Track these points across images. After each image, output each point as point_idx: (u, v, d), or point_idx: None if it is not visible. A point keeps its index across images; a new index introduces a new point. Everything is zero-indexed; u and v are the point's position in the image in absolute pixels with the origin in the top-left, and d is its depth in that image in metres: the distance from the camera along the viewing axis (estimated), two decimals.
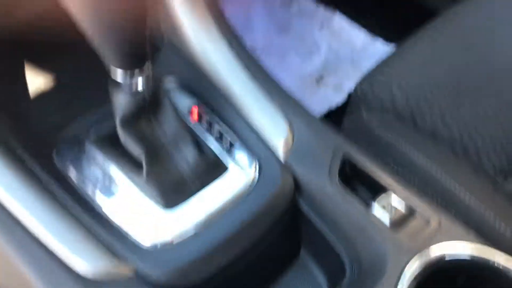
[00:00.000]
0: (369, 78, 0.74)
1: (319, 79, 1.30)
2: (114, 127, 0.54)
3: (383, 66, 0.76)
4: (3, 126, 0.59)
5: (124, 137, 0.53)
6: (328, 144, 0.56)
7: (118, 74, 0.49)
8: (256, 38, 1.41)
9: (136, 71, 0.49)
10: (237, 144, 0.57)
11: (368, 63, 1.27)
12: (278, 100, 0.61)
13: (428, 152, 0.67)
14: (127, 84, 0.50)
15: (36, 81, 0.72)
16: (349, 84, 1.25)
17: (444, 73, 0.75)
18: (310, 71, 1.33)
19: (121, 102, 0.51)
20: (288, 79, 1.33)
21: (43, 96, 0.69)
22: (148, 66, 0.50)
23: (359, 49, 1.34)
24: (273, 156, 0.56)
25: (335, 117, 1.22)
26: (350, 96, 0.77)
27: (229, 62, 0.61)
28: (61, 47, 0.69)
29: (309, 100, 1.26)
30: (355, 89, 0.75)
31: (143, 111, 0.53)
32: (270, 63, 1.36)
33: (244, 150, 0.57)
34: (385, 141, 0.69)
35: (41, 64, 0.72)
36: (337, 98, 1.23)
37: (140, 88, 0.51)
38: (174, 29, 0.64)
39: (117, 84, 0.50)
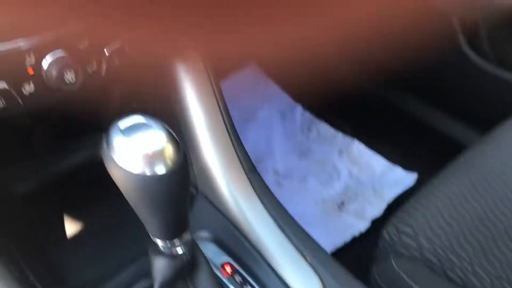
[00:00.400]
0: (396, 223, 0.75)
1: (341, 205, 1.32)
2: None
3: (410, 208, 0.78)
4: (37, 273, 0.61)
5: None
6: None
7: (159, 242, 0.52)
8: (277, 162, 1.46)
9: (176, 239, 0.52)
10: None
11: (389, 191, 1.31)
12: (310, 255, 0.62)
13: None
14: (167, 249, 0.52)
15: (73, 227, 0.74)
16: (372, 211, 1.26)
17: (471, 217, 0.76)
18: (331, 196, 1.35)
19: (160, 266, 0.53)
20: (309, 203, 1.35)
21: (79, 244, 0.71)
22: (187, 232, 0.53)
23: (379, 175, 1.36)
24: None
25: (358, 247, 1.22)
26: (377, 240, 0.77)
27: (263, 218, 0.64)
28: (100, 196, 0.72)
29: (331, 227, 1.27)
30: (383, 235, 0.76)
31: (181, 272, 0.54)
32: (291, 187, 1.40)
33: None
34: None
35: (80, 212, 0.75)
36: (360, 226, 1.24)
37: (179, 252, 0.53)
38: (207, 182, 0.68)
39: (157, 248, 0.52)
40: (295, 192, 1.38)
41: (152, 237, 0.52)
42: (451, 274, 0.70)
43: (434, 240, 0.72)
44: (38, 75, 0.55)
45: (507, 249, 0.72)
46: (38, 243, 0.71)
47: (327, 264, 0.63)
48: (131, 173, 0.44)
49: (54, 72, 0.54)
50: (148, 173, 0.45)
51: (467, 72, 1.31)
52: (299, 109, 1.62)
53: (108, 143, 0.45)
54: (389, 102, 1.46)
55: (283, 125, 1.59)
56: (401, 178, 1.33)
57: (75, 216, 0.74)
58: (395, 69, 1.43)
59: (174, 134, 0.48)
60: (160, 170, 0.45)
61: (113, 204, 0.73)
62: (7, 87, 0.54)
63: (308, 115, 1.59)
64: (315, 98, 1.64)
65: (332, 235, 1.23)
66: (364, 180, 1.38)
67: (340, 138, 1.48)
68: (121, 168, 0.44)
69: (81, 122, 0.75)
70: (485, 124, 1.29)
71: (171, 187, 0.47)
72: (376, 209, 1.27)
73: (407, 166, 1.37)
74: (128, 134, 0.45)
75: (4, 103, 0.54)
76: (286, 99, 1.67)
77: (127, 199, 0.48)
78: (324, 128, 1.53)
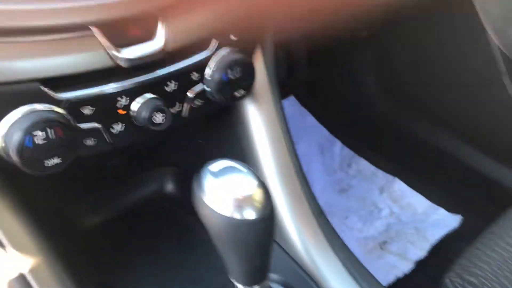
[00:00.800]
0: (460, 272, 0.74)
1: (383, 244, 1.31)
2: None
3: (473, 257, 0.77)
4: None
5: None
6: None
7: (239, 286, 0.52)
8: (317, 198, 1.46)
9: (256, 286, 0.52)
10: None
11: (433, 232, 1.29)
12: None
13: None
14: None
15: (137, 261, 0.75)
16: (415, 252, 1.25)
17: None
18: (372, 235, 1.34)
19: None
20: (351, 241, 1.34)
21: (142, 278, 0.72)
22: (267, 280, 0.53)
23: (421, 215, 1.35)
24: None
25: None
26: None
27: (332, 263, 0.64)
28: (165, 230, 0.73)
29: (374, 266, 1.26)
30: (445, 283, 0.75)
31: None
32: (332, 223, 1.39)
33: None
34: None
35: (144, 245, 0.76)
36: (403, 267, 1.22)
37: None
38: (279, 230, 0.68)
39: None
40: (336, 229, 1.37)
41: (233, 280, 0.53)
42: None
43: None
44: (128, 116, 0.57)
45: None
46: (103, 276, 0.72)
47: None
48: (220, 215, 0.45)
49: (144, 114, 0.56)
50: (237, 216, 0.45)
51: (504, 108, 1.30)
52: (338, 144, 1.62)
53: (199, 185, 0.47)
54: (431, 142, 1.45)
55: (322, 160, 1.59)
56: (445, 220, 1.32)
57: (140, 249, 0.75)
58: (438, 107, 1.44)
59: (263, 181, 0.49)
60: (250, 215, 0.46)
61: (178, 239, 0.74)
62: (99, 127, 0.56)
63: (347, 151, 1.59)
64: (353, 132, 1.66)
65: (375, 276, 1.21)
66: (406, 219, 1.36)
67: (381, 175, 1.48)
68: (211, 209, 0.45)
69: (151, 156, 0.76)
70: None
71: (259, 233, 0.48)
72: (420, 250, 1.25)
73: (449, 207, 1.35)
74: (219, 177, 0.47)
75: (94, 141, 0.56)
76: (325, 132, 1.68)
77: (214, 240, 0.49)
78: (365, 165, 1.53)
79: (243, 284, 0.52)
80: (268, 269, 0.53)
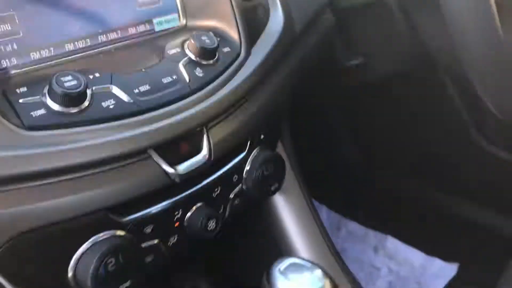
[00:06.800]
0: None
1: None
2: None
3: None
4: None
5: None
6: None
7: None
8: None
9: None
10: None
11: (434, 283, 1.33)
12: None
13: None
14: None
15: None
16: None
17: None
18: None
19: None
20: None
21: None
22: None
23: (419, 269, 1.40)
24: None
25: None
26: None
27: None
28: None
29: None
30: None
31: None
32: None
33: None
34: None
35: None
36: None
37: None
38: None
39: None
40: None
41: None
42: None
43: None
44: (181, 227, 0.59)
45: None
46: None
47: None
48: None
49: (200, 223, 0.58)
50: None
51: (477, 159, 1.40)
52: (324, 210, 1.67)
53: (271, 284, 0.49)
54: (414, 196, 1.53)
55: None
56: (443, 270, 1.37)
57: None
58: (413, 161, 1.53)
59: (330, 274, 0.52)
60: None
61: None
62: (158, 243, 0.57)
63: (334, 215, 1.64)
64: (338, 197, 1.71)
65: None
66: (405, 274, 1.40)
67: (373, 234, 1.53)
68: None
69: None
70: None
71: None
72: None
73: (444, 257, 1.41)
74: (288, 275, 0.50)
75: (152, 257, 0.57)
76: None
77: None
78: (354, 227, 1.57)
79: None
80: None
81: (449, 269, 1.37)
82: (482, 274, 1.02)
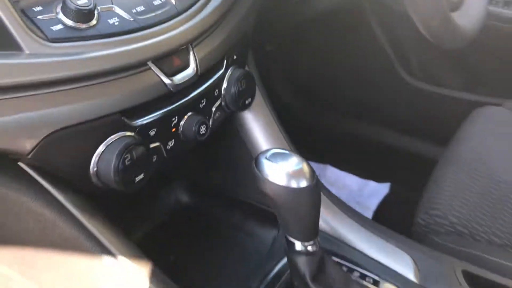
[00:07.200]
0: (426, 210, 0.95)
1: None
2: None
3: (431, 198, 0.98)
4: None
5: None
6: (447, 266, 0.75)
7: (298, 244, 0.66)
8: None
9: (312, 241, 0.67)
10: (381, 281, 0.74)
11: (371, 201, 1.53)
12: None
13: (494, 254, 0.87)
14: (304, 249, 0.67)
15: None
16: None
17: (477, 195, 0.98)
18: None
19: (305, 262, 0.67)
20: None
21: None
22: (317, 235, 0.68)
23: (357, 192, 1.58)
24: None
25: None
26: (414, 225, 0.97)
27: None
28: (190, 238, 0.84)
29: None
30: (418, 222, 0.96)
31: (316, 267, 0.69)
32: None
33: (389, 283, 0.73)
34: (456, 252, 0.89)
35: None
36: None
37: (313, 249, 0.68)
38: None
39: (295, 250, 0.67)
40: None
41: (292, 239, 0.66)
42: (478, 237, 0.91)
43: (459, 216, 0.93)
44: (177, 133, 0.69)
45: (509, 213, 0.95)
46: None
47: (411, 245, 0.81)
48: (282, 186, 0.60)
49: (193, 127, 0.68)
50: (294, 185, 0.60)
51: (402, 91, 1.60)
52: None
53: (262, 169, 0.61)
54: (348, 131, 1.70)
55: None
56: (377, 189, 1.56)
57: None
58: (350, 101, 1.70)
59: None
60: (302, 183, 0.61)
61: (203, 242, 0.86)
62: (160, 145, 0.66)
63: None
64: None
65: None
66: (345, 198, 1.58)
67: (314, 166, 1.69)
68: (274, 184, 0.60)
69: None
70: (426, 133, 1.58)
71: (310, 197, 0.63)
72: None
73: (377, 179, 1.61)
74: (272, 160, 0.61)
75: (155, 158, 0.67)
76: None
77: (277, 209, 0.63)
78: None
79: (301, 241, 0.66)
80: (318, 229, 0.68)
81: (383, 188, 1.56)
82: (410, 191, 1.19)
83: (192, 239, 0.86)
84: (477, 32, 0.99)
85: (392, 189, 1.57)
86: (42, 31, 0.54)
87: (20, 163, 0.56)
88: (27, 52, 0.52)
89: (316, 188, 0.64)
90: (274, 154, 0.63)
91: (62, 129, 0.55)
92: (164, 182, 0.93)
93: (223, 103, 0.77)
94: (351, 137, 1.70)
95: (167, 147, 0.68)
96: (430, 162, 1.15)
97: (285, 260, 0.78)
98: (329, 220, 0.82)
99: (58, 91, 0.54)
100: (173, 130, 0.68)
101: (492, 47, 1.42)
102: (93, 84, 0.57)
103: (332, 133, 1.73)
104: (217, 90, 0.75)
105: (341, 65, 1.64)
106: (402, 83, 1.57)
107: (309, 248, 0.67)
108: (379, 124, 1.67)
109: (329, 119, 1.75)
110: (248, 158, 0.85)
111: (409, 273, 0.75)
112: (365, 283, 0.74)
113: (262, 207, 0.87)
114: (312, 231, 0.67)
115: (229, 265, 0.83)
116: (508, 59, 1.43)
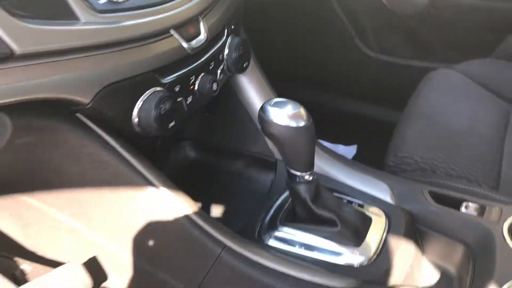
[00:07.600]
0: (395, 153, 1.13)
1: None
2: None
3: (397, 143, 1.15)
4: None
5: (316, 209, 0.83)
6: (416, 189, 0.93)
7: (297, 174, 0.82)
8: None
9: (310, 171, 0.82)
10: (365, 205, 0.91)
11: None
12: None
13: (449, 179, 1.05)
14: (302, 179, 0.82)
15: None
16: None
17: (436, 139, 1.16)
18: None
19: (305, 189, 0.82)
20: None
21: None
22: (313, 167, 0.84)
23: None
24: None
25: None
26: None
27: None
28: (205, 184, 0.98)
29: None
30: (388, 163, 1.13)
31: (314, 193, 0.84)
32: None
33: (372, 206, 0.90)
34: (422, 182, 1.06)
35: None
36: None
37: (311, 178, 0.83)
38: None
39: (296, 180, 0.82)
40: None
41: (294, 171, 0.81)
42: (438, 171, 1.09)
43: (422, 155, 1.11)
44: (193, 90, 0.82)
45: (463, 153, 1.14)
46: None
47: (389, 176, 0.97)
48: (284, 126, 0.74)
49: (208, 84, 0.82)
50: (293, 125, 0.75)
51: (361, 62, 1.77)
52: None
53: (267, 114, 0.75)
54: (312, 98, 1.87)
55: None
56: (345, 151, 1.74)
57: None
58: (310, 70, 1.86)
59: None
60: (300, 123, 0.76)
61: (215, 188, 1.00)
62: (182, 100, 0.80)
63: None
64: None
65: None
66: None
67: None
68: (278, 124, 0.74)
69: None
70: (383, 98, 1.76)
71: (306, 134, 0.78)
72: None
73: (345, 143, 1.79)
74: (277, 106, 0.76)
75: (179, 111, 0.80)
76: None
77: (281, 147, 0.78)
78: None
79: (301, 172, 0.81)
80: (313, 161, 0.83)
81: (351, 150, 1.74)
82: (374, 151, 1.37)
83: (201, 188, 1.00)
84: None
85: (358, 150, 1.75)
86: (91, 4, 0.66)
87: (78, 115, 0.69)
88: (83, 20, 0.64)
89: (312, 127, 0.79)
90: (277, 102, 0.77)
91: (111, 84, 0.68)
92: (174, 142, 1.06)
93: (225, 67, 0.91)
94: (318, 107, 1.86)
95: (187, 102, 0.82)
96: (391, 125, 1.32)
97: (285, 194, 0.93)
98: (318, 162, 0.98)
99: (107, 52, 0.66)
100: (191, 87, 0.82)
101: (438, 18, 1.62)
102: (132, 47, 0.70)
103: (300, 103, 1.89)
104: (221, 55, 0.89)
105: (304, 39, 1.81)
106: (361, 55, 1.75)
107: (307, 177, 0.82)
108: (342, 93, 1.85)
109: (295, 92, 1.90)
110: (245, 115, 1.00)
111: (387, 197, 0.92)
112: (353, 205, 0.90)
113: (260, 156, 1.02)
114: (309, 163, 0.82)
115: (236, 204, 0.98)
116: (453, 28, 1.63)
